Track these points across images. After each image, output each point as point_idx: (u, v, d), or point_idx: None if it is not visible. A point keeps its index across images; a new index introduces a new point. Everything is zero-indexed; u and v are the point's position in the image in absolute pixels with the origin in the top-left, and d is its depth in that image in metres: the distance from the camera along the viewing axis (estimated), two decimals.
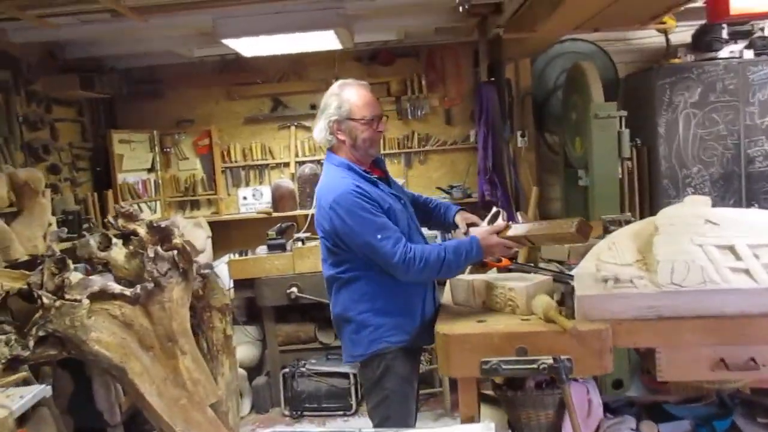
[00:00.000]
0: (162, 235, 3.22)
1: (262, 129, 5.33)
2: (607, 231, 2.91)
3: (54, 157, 4.25)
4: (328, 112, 2.30)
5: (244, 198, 5.28)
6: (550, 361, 2.13)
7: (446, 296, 2.61)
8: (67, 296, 2.87)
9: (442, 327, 2.30)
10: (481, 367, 2.15)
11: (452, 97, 5.20)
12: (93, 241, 3.52)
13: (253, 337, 4.86)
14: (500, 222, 2.40)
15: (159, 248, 3.23)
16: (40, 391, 2.31)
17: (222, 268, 4.76)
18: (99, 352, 2.84)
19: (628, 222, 3.04)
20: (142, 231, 3.25)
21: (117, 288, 3.24)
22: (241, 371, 4.72)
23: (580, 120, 4.31)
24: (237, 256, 4.66)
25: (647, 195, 4.55)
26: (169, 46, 4.55)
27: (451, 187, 5.04)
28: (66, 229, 2.93)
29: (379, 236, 2.20)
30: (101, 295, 3.19)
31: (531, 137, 4.82)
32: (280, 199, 5.13)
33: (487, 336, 2.20)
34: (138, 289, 3.25)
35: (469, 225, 2.58)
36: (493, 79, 4.93)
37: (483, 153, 4.88)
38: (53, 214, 3.95)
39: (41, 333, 2.68)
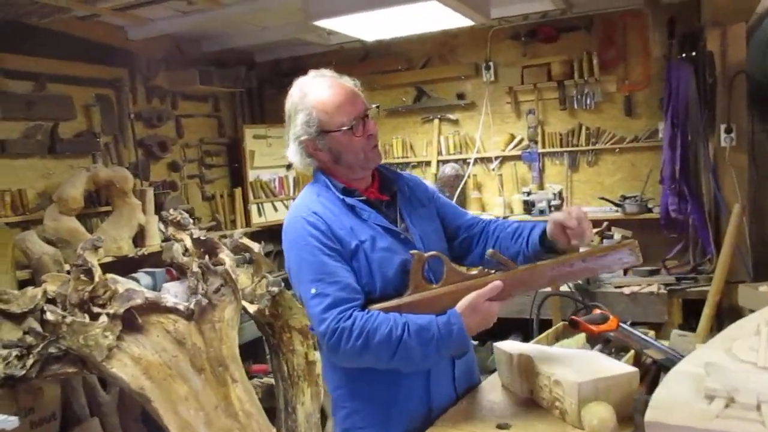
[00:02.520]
0: (206, 248, 2.92)
1: (404, 122, 4.81)
2: None
3: (175, 154, 4.26)
4: (295, 132, 1.68)
5: None
6: None
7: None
8: (95, 309, 2.71)
9: (437, 429, 1.59)
10: None
11: (635, 80, 4.07)
12: (177, 245, 3.38)
13: None
14: (495, 282, 1.56)
15: (209, 262, 2.94)
16: None
17: None
18: (116, 375, 2.62)
19: None
20: (188, 242, 2.99)
21: (170, 301, 3.03)
22: None
23: None
24: None
25: None
26: (296, 34, 4.27)
27: (624, 198, 3.95)
28: (102, 238, 2.77)
29: (313, 290, 1.57)
30: (155, 308, 3.02)
31: (743, 133, 3.52)
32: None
33: None
34: (192, 303, 3.01)
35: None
36: (694, 54, 3.74)
37: (669, 154, 3.73)
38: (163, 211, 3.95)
39: (52, 350, 2.54)
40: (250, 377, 3.96)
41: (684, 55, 3.78)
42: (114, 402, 3.28)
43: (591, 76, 4.08)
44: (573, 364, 1.65)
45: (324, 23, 3.41)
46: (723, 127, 3.56)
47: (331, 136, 1.66)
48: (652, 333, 2.03)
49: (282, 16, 3.94)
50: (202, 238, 2.88)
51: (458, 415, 1.67)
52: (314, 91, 1.68)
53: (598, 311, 2.12)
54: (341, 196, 1.67)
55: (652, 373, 1.79)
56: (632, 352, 1.84)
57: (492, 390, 1.84)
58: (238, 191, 4.66)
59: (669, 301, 3.53)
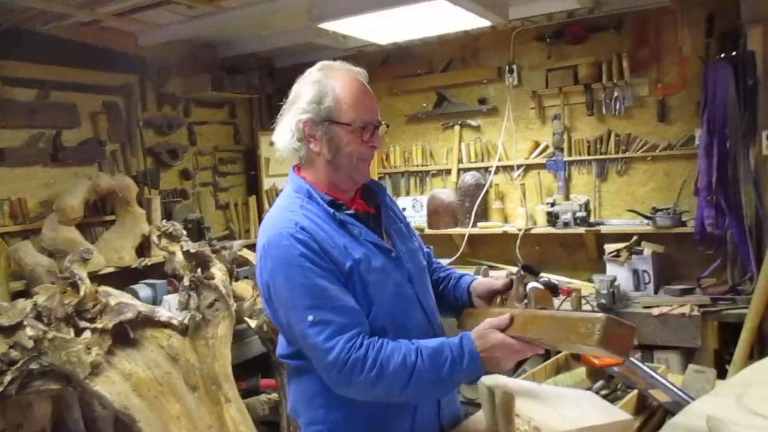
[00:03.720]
0: (198, 261, 2.80)
1: (425, 129, 4.62)
2: None
3: (187, 162, 4.18)
4: (299, 107, 1.55)
5: (403, 209, 4.64)
6: None
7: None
8: (82, 324, 2.63)
9: None
10: None
11: (669, 83, 3.78)
12: (181, 256, 3.29)
13: None
14: (503, 317, 1.45)
15: (201, 276, 2.82)
16: None
17: None
18: (99, 392, 2.53)
19: None
20: (179, 256, 2.88)
21: (165, 315, 2.93)
22: None
23: None
24: None
25: None
26: (311, 38, 4.15)
27: (655, 210, 3.67)
28: (91, 250, 2.68)
29: (310, 317, 1.42)
30: (150, 322, 2.93)
31: None
32: (434, 213, 4.37)
33: None
34: (186, 318, 2.91)
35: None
36: (733, 54, 3.45)
37: (706, 162, 3.45)
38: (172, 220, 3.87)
39: (35, 366, 2.46)
40: (259, 392, 3.85)
41: (723, 55, 3.50)
42: (111, 417, 3.19)
43: (621, 79, 3.80)
44: (559, 407, 1.45)
45: (330, 26, 3.28)
46: (765, 133, 3.25)
47: (336, 128, 1.52)
48: (663, 368, 1.81)
49: (295, 20, 3.83)
50: (192, 250, 2.76)
51: None
52: (341, 76, 1.56)
53: None
54: (330, 210, 1.52)
55: (656, 421, 1.57)
56: (635, 392, 1.63)
57: (476, 429, 1.65)
58: (252, 200, 4.56)
59: (703, 323, 3.23)
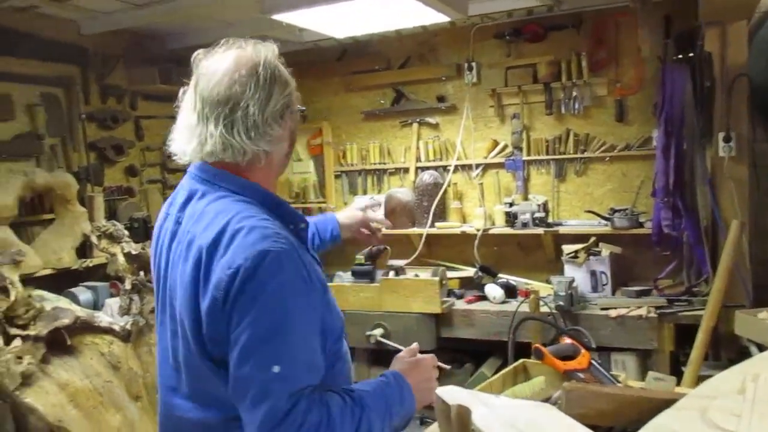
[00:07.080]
0: (140, 264, 2.66)
1: (382, 126, 4.54)
2: None
3: (133, 158, 4.00)
4: (278, 102, 1.26)
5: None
6: None
7: None
8: (12, 331, 2.46)
9: None
10: None
11: (627, 84, 3.79)
12: (122, 258, 3.12)
13: None
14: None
15: (144, 279, 2.68)
16: None
17: None
18: (30, 405, 2.37)
19: None
20: (120, 258, 2.73)
21: (105, 320, 2.79)
22: None
23: None
24: None
25: None
26: (264, 30, 4.01)
27: (613, 211, 3.67)
28: (23, 251, 2.52)
29: (276, 369, 1.10)
30: (89, 327, 2.77)
31: (743, 142, 3.24)
32: (391, 212, 4.28)
33: None
34: (128, 324, 2.76)
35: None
36: (690, 55, 3.46)
37: (663, 164, 3.45)
38: (117, 220, 3.69)
39: None
40: None
41: (680, 56, 3.50)
42: (47, 429, 3.02)
43: (580, 79, 3.79)
44: (518, 423, 1.37)
45: (282, 17, 3.16)
46: (721, 135, 3.27)
47: (295, 116, 1.35)
48: (623, 376, 1.76)
49: (247, 11, 3.70)
50: (134, 252, 2.62)
51: None
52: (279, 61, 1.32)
53: (567, 340, 1.86)
54: (291, 225, 1.28)
55: None
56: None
57: None
58: None
59: (659, 325, 3.24)
